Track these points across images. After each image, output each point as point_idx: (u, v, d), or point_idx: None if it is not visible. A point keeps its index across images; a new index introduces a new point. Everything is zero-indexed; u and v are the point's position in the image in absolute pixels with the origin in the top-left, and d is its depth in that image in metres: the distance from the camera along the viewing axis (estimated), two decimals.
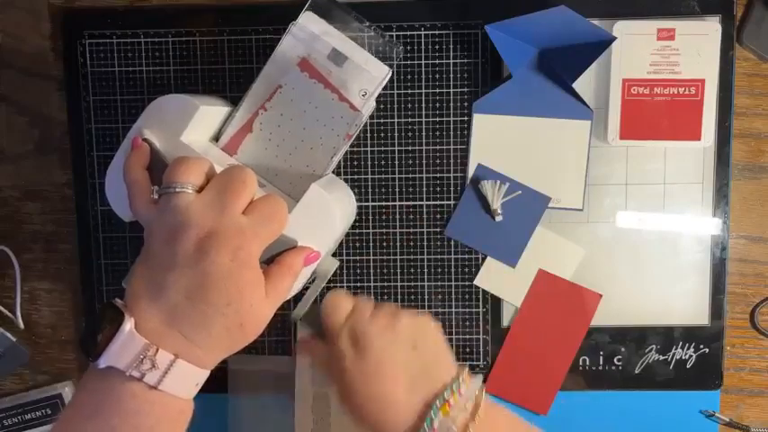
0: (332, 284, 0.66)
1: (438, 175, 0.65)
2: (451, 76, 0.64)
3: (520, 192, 0.64)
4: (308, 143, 0.58)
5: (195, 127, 0.55)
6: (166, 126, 0.54)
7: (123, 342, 0.44)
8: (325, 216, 0.54)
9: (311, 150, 0.58)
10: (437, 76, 0.64)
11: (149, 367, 0.44)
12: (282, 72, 0.58)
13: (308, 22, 0.58)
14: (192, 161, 0.49)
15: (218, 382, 0.67)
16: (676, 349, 0.65)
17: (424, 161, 0.65)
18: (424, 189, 0.65)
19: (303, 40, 0.58)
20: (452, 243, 0.66)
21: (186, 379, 0.46)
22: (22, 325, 0.67)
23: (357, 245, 0.66)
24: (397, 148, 0.65)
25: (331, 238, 0.55)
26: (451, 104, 0.64)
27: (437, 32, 0.64)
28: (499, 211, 0.64)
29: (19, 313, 0.67)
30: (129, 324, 0.45)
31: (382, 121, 0.65)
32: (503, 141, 0.64)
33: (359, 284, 0.66)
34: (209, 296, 0.45)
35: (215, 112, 0.57)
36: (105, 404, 0.45)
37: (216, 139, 0.58)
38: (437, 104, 0.64)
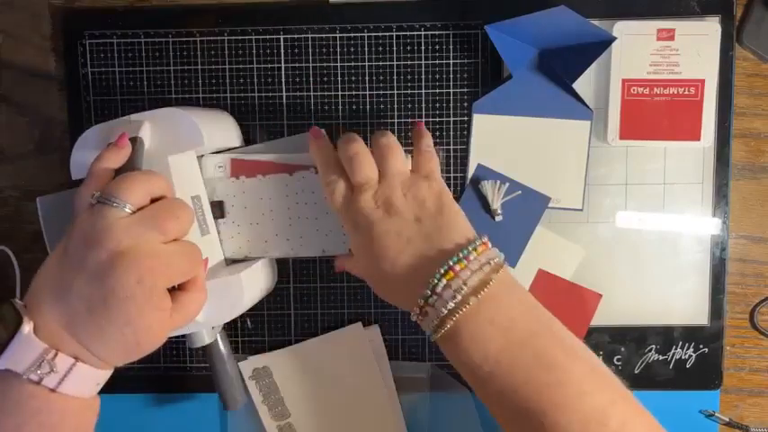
0: (332, 283, 0.66)
1: None
2: (451, 76, 0.64)
3: (520, 192, 0.64)
4: (314, 225, 0.60)
5: (189, 155, 0.56)
6: (163, 137, 0.54)
7: (21, 345, 0.44)
8: (235, 300, 0.56)
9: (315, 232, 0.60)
10: (437, 76, 0.64)
11: (48, 371, 0.44)
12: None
13: None
14: (138, 181, 0.49)
15: None
16: (676, 349, 0.65)
17: None
18: None
19: None
20: None
21: (86, 381, 0.46)
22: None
23: None
24: None
25: (230, 317, 0.57)
26: (451, 104, 0.64)
27: (437, 32, 0.64)
28: (499, 211, 0.64)
29: None
30: (27, 327, 0.44)
31: (382, 120, 0.65)
32: (503, 141, 0.64)
33: (357, 284, 0.66)
34: (110, 313, 0.45)
35: (214, 154, 0.59)
36: (7, 404, 0.45)
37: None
38: (437, 104, 0.64)
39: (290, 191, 0.60)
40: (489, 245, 0.51)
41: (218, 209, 0.60)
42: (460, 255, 0.49)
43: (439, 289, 0.48)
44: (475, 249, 0.49)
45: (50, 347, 0.44)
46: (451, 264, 0.48)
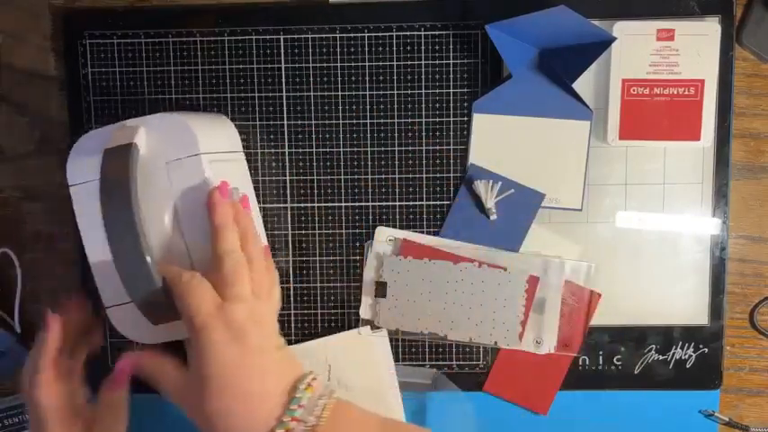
0: (332, 283, 0.67)
1: (438, 175, 0.65)
2: (451, 76, 0.64)
3: (512, 190, 0.64)
4: None
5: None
6: (159, 142, 0.55)
7: None
8: None
9: None
10: (437, 76, 0.64)
11: None
12: None
13: None
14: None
15: None
16: (676, 349, 0.65)
17: (423, 161, 0.65)
18: (424, 189, 0.65)
19: None
20: None
21: None
22: (18, 328, 0.67)
23: (357, 244, 0.66)
24: (397, 148, 0.65)
25: None
26: (451, 104, 0.65)
27: (437, 32, 0.64)
28: (493, 210, 0.64)
29: (17, 316, 0.67)
30: None
31: (382, 121, 0.65)
32: (503, 141, 0.64)
33: (358, 282, 0.66)
34: None
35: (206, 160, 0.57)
36: None
37: None
38: (437, 104, 0.65)
39: (451, 278, 0.64)
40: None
41: (382, 289, 0.65)
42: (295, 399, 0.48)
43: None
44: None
45: None
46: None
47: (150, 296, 0.52)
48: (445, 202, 0.65)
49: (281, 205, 0.66)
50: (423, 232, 0.65)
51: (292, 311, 0.66)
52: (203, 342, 0.48)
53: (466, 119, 0.65)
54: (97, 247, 0.55)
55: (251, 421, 0.47)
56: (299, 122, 0.65)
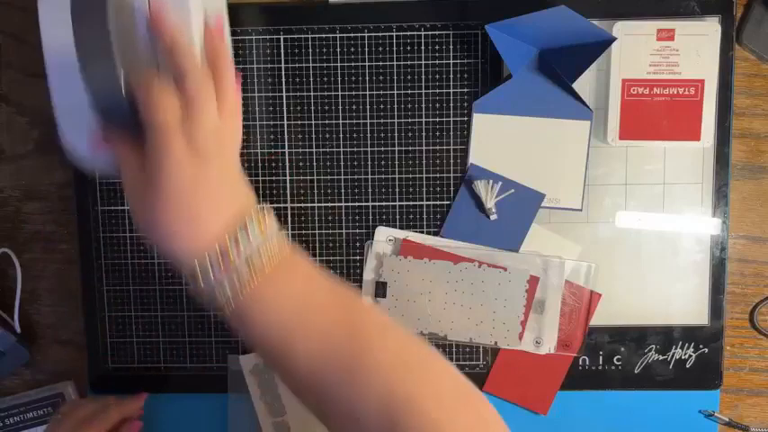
0: None
1: (438, 175, 0.65)
2: (451, 76, 0.64)
3: (513, 190, 0.64)
4: None
5: None
6: None
7: None
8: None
9: None
10: (437, 76, 0.64)
11: None
12: None
13: None
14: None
15: (219, 382, 0.67)
16: (676, 349, 0.65)
17: (424, 161, 0.65)
18: (424, 189, 0.65)
19: None
20: None
21: None
22: (18, 328, 0.67)
23: (357, 244, 0.66)
24: (397, 148, 0.65)
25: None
26: (451, 104, 0.65)
27: (437, 32, 0.64)
28: (493, 210, 0.64)
29: (17, 316, 0.67)
30: None
31: (382, 121, 0.65)
32: (503, 141, 0.64)
33: (358, 283, 0.66)
34: None
35: None
36: None
37: None
38: (437, 104, 0.65)
39: (451, 278, 0.64)
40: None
41: (381, 289, 0.65)
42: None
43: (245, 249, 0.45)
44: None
45: None
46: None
47: (114, 104, 0.48)
48: (445, 202, 0.65)
49: (281, 205, 0.66)
50: (423, 232, 0.65)
51: None
52: (162, 156, 0.45)
53: (466, 119, 0.65)
54: (59, 47, 0.50)
55: (192, 245, 0.45)
56: (299, 122, 0.65)
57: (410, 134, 0.65)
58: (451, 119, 0.65)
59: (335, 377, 0.44)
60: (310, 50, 0.64)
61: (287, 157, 0.65)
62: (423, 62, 0.64)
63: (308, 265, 0.48)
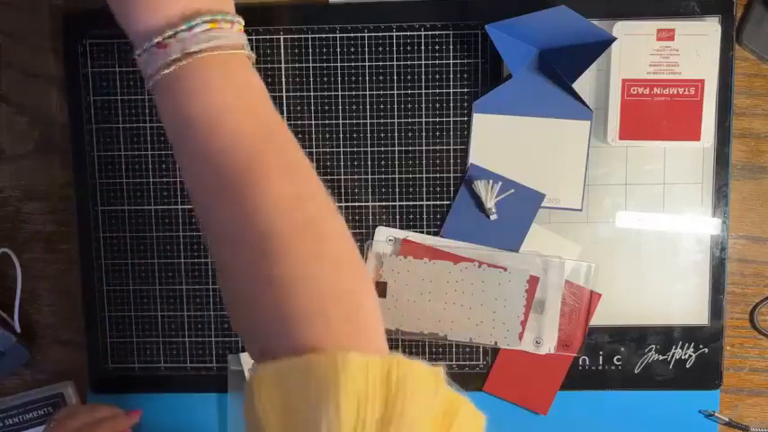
0: None
1: (438, 175, 0.65)
2: (451, 76, 0.64)
3: (513, 190, 0.64)
4: None
5: None
6: None
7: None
8: None
9: None
10: (437, 76, 0.64)
11: None
12: None
13: None
14: None
15: (219, 382, 0.67)
16: (676, 349, 0.65)
17: (424, 161, 0.65)
18: (424, 189, 0.65)
19: None
20: None
21: None
22: (18, 328, 0.67)
23: (358, 244, 0.66)
24: (397, 148, 0.65)
25: None
26: (451, 104, 0.65)
27: (437, 32, 0.64)
28: (493, 210, 0.64)
29: (17, 316, 0.67)
30: None
31: (382, 121, 0.65)
32: (503, 141, 0.64)
33: None
34: None
35: None
36: None
37: None
38: (437, 104, 0.65)
39: (451, 278, 0.64)
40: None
41: (382, 289, 0.65)
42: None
43: (197, 29, 0.42)
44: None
45: None
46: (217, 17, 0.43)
47: None
48: (445, 202, 0.65)
49: None
50: (423, 232, 0.66)
51: None
52: None
53: (466, 119, 0.65)
54: None
55: (145, 15, 0.42)
56: (300, 122, 0.65)
57: (410, 134, 0.65)
58: (451, 119, 0.65)
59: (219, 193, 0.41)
60: (310, 50, 0.64)
61: None
62: (423, 62, 0.64)
63: (250, 77, 0.45)
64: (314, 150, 0.65)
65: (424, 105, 0.65)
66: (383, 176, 0.65)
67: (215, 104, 0.42)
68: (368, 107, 0.65)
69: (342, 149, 0.65)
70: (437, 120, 0.65)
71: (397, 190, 0.65)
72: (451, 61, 0.64)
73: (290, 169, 0.43)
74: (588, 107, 0.63)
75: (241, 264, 0.41)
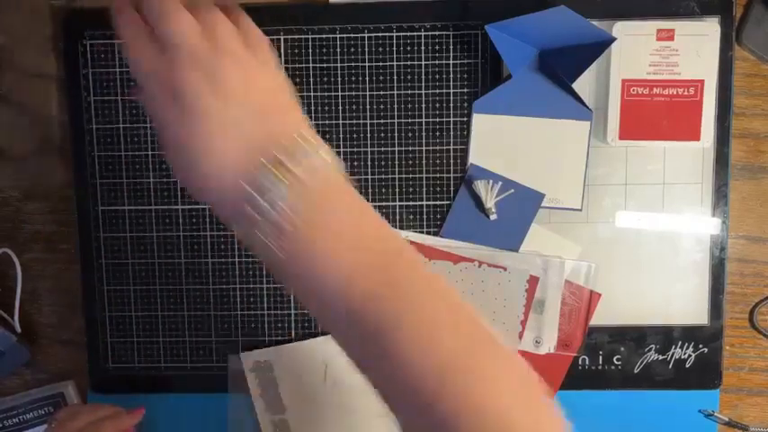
0: None
1: (438, 175, 0.65)
2: (451, 76, 0.64)
3: (512, 190, 0.64)
4: None
5: None
6: None
7: None
8: None
9: None
10: (437, 76, 0.64)
11: None
12: None
13: None
14: None
15: (219, 381, 0.67)
16: (675, 349, 0.65)
17: (423, 161, 0.65)
18: (424, 189, 0.65)
19: None
20: None
21: None
22: (18, 328, 0.67)
23: None
24: (397, 148, 0.65)
25: None
26: (451, 104, 0.65)
27: (437, 32, 0.64)
28: (493, 210, 0.64)
29: (17, 316, 0.67)
30: None
31: (382, 121, 0.65)
32: (502, 141, 0.64)
33: None
34: None
35: None
36: None
37: None
38: (437, 104, 0.65)
39: (451, 278, 0.64)
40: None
41: None
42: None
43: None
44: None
45: None
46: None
47: None
48: (445, 202, 0.65)
49: None
50: (422, 232, 0.66)
51: (291, 311, 0.67)
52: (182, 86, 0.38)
53: (466, 119, 0.65)
54: None
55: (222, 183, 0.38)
56: None
57: (410, 134, 0.65)
58: (451, 119, 0.65)
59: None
60: (310, 50, 0.64)
61: None
62: (423, 62, 0.64)
63: (351, 201, 0.41)
64: None
65: (424, 105, 0.65)
66: (383, 176, 0.65)
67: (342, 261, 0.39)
68: (368, 107, 0.65)
69: (342, 149, 0.65)
70: (437, 120, 0.65)
71: (396, 190, 0.65)
72: (451, 61, 0.64)
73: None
74: (588, 107, 0.63)
75: None
